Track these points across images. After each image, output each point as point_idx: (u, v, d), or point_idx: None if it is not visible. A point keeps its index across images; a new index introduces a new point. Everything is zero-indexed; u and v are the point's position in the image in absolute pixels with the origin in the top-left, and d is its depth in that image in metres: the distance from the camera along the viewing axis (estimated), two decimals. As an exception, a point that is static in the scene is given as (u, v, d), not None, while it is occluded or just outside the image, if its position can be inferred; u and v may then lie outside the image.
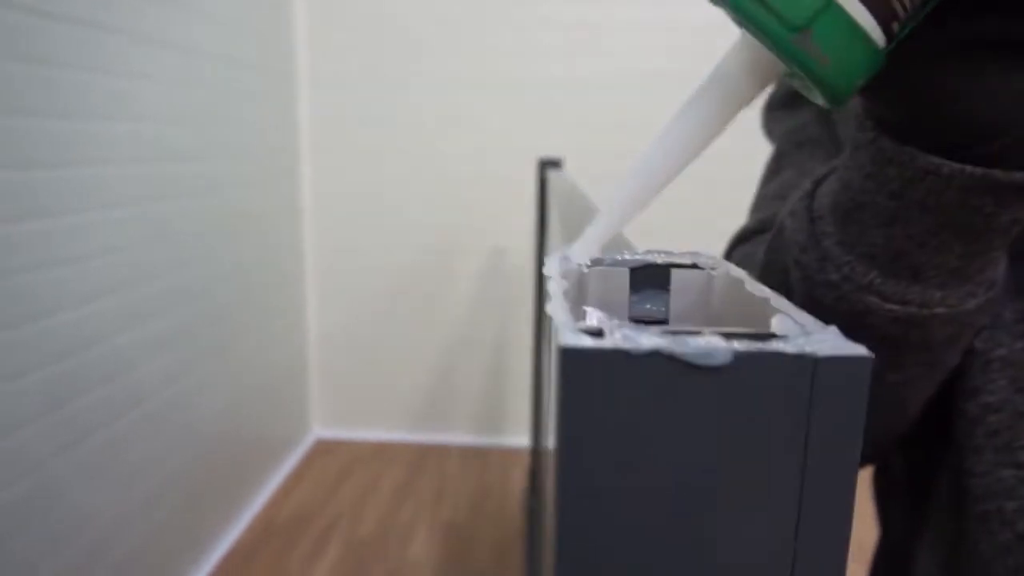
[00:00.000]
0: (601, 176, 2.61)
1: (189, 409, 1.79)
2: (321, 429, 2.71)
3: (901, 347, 0.27)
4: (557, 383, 0.13)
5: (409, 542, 2.06)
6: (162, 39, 1.65)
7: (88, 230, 1.38)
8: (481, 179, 2.58)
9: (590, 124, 2.56)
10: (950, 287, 0.26)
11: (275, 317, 2.35)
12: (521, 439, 2.69)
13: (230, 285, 2.02)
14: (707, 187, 2.20)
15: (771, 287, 0.26)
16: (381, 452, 2.60)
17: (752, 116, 0.46)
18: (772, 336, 0.13)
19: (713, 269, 0.20)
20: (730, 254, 0.46)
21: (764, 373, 0.12)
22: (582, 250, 0.21)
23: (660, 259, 0.21)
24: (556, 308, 0.15)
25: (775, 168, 0.46)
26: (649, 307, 0.20)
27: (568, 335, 0.13)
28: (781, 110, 0.47)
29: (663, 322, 0.21)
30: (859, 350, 0.12)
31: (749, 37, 0.21)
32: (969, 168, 0.22)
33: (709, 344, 0.12)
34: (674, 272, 0.21)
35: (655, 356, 0.12)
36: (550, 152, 2.54)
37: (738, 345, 0.12)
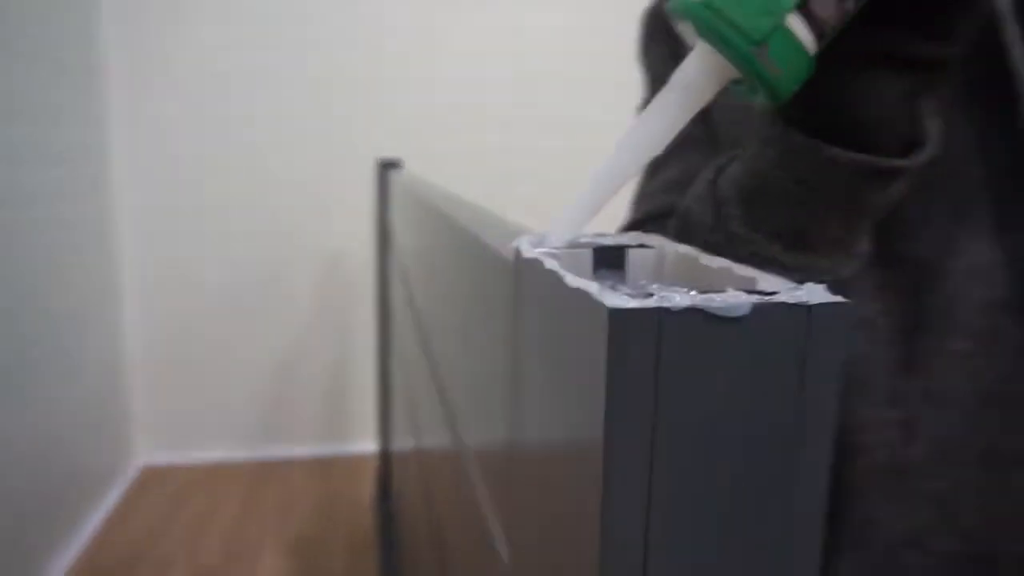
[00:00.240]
0: (448, 178, 2.63)
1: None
2: (148, 455, 2.51)
3: None
4: (606, 342, 0.14)
5: (257, 562, 1.97)
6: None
7: None
8: (314, 182, 2.51)
9: (429, 125, 2.57)
10: (835, 256, 0.31)
11: (86, 338, 2.15)
12: (368, 445, 2.65)
13: (28, 305, 1.81)
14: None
15: None
16: (218, 474, 2.45)
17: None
18: (770, 292, 0.16)
19: (661, 248, 0.23)
20: None
21: (774, 320, 0.15)
22: (560, 234, 0.22)
23: (611, 241, 0.24)
24: (574, 278, 0.16)
25: (655, 163, 0.50)
26: (611, 285, 0.22)
27: (612, 297, 0.14)
28: None
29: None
30: (839, 298, 0.15)
31: (708, 49, 0.24)
32: (862, 156, 0.27)
33: (732, 298, 0.15)
34: (629, 252, 0.23)
35: (690, 311, 0.14)
36: (387, 153, 2.52)
37: (754, 299, 0.15)
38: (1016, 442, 0.38)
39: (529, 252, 0.21)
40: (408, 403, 1.14)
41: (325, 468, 2.54)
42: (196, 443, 2.55)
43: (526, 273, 0.21)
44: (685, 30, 0.26)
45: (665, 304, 0.14)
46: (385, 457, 2.13)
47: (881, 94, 0.26)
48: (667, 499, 0.15)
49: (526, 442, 0.23)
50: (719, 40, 0.23)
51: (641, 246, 0.24)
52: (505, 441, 0.27)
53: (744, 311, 0.14)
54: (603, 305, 0.14)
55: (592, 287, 0.15)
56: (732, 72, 0.24)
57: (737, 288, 0.17)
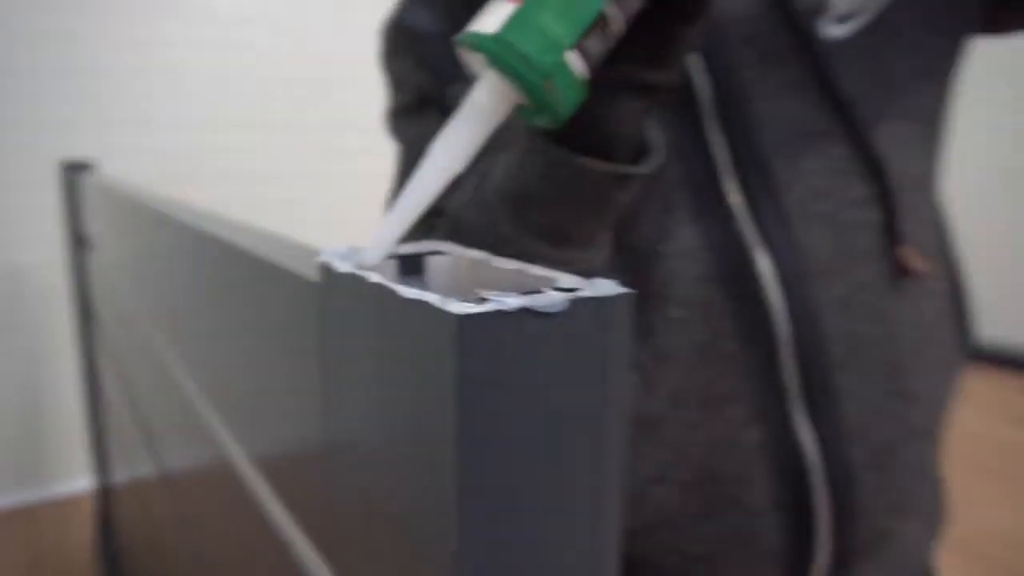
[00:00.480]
0: (153, 179, 2.38)
1: None
2: None
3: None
4: (455, 346, 0.16)
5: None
6: None
7: None
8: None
9: (125, 122, 2.31)
10: (588, 248, 0.36)
11: None
12: (79, 482, 2.34)
13: None
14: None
15: None
16: None
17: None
18: (572, 288, 0.19)
19: (454, 254, 0.25)
20: None
21: (585, 312, 0.18)
22: (376, 251, 0.24)
23: (409, 250, 0.26)
24: (408, 289, 0.18)
25: (405, 167, 0.53)
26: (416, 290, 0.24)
27: (456, 305, 0.17)
28: (408, 117, 0.54)
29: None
30: (624, 290, 0.19)
31: (497, 78, 0.26)
32: (610, 165, 0.32)
33: (552, 297, 0.17)
34: (428, 259, 0.25)
35: (520, 311, 0.17)
36: (77, 154, 2.23)
37: (569, 296, 0.18)
38: (725, 385, 0.46)
39: (343, 267, 0.22)
40: (141, 429, 1.03)
41: (27, 518, 2.19)
42: None
43: (340, 288, 0.22)
44: (474, 60, 0.29)
45: (501, 307, 0.17)
46: (104, 493, 1.90)
47: (620, 113, 0.31)
48: (515, 482, 0.18)
49: (349, 458, 0.23)
50: (512, 73, 0.26)
51: (436, 253, 0.26)
52: (318, 458, 0.27)
53: (563, 307, 0.18)
54: (450, 313, 0.16)
55: (432, 297, 0.17)
56: (519, 98, 0.27)
57: (534, 287, 0.20)
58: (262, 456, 0.34)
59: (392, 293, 0.19)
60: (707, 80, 0.46)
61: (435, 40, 0.51)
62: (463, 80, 0.49)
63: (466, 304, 0.17)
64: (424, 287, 0.25)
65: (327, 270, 0.23)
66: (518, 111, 0.29)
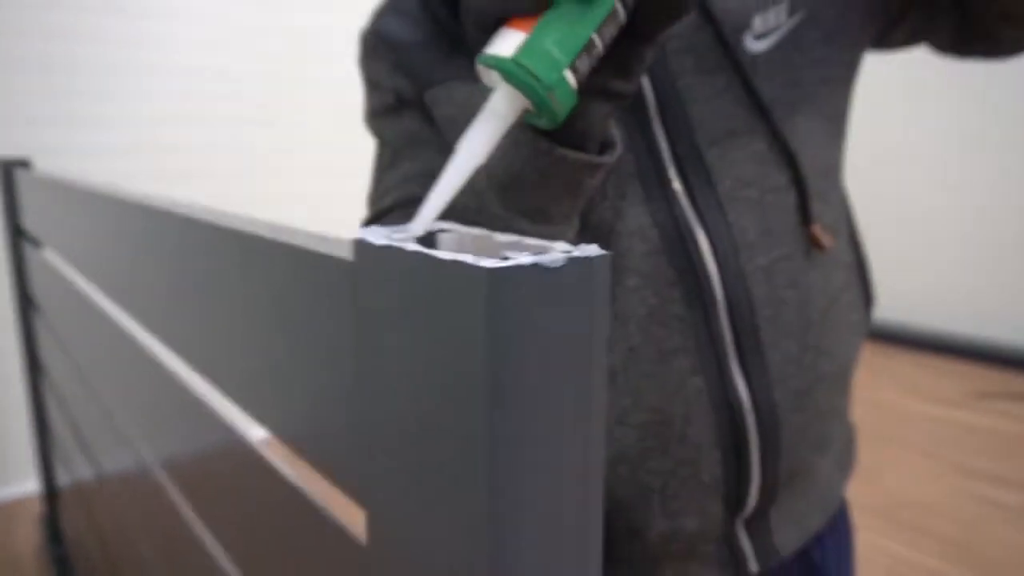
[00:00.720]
0: (100, 174, 2.34)
1: None
2: None
3: None
4: (485, 295, 0.22)
5: None
6: None
7: None
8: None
9: (61, 118, 2.26)
10: (564, 224, 0.43)
11: None
12: (21, 487, 2.29)
13: None
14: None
15: None
16: None
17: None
18: (567, 251, 0.25)
19: (459, 231, 0.31)
20: (371, 224, 0.57)
21: (576, 268, 0.24)
22: (417, 228, 0.30)
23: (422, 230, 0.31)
24: (445, 252, 0.24)
25: (391, 161, 0.58)
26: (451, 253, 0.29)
27: (487, 261, 0.22)
28: (387, 116, 0.59)
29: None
30: (604, 253, 0.25)
31: (511, 90, 0.34)
32: (583, 155, 0.38)
33: (555, 255, 0.23)
34: (439, 236, 0.31)
35: (534, 266, 0.23)
36: (9, 151, 2.18)
37: (566, 254, 0.23)
38: (673, 341, 0.54)
39: (382, 240, 0.27)
40: (93, 429, 1.04)
41: (-37, 526, 2.14)
42: None
43: (378, 261, 0.27)
44: (490, 74, 0.35)
45: (519, 263, 0.22)
46: (51, 497, 1.87)
47: (593, 115, 0.38)
48: (537, 406, 0.23)
49: (387, 415, 0.28)
50: (524, 87, 0.34)
51: (443, 231, 0.31)
52: (352, 424, 0.32)
53: (563, 262, 0.23)
54: (482, 267, 0.22)
55: (466, 257, 0.23)
56: (527, 105, 0.35)
57: (531, 252, 0.26)
58: (288, 434, 0.38)
59: (431, 257, 0.24)
60: (651, 86, 0.53)
61: (412, 48, 0.57)
62: (439, 84, 0.55)
63: (493, 260, 0.22)
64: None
65: (364, 246, 0.28)
66: (526, 115, 0.36)
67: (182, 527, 0.70)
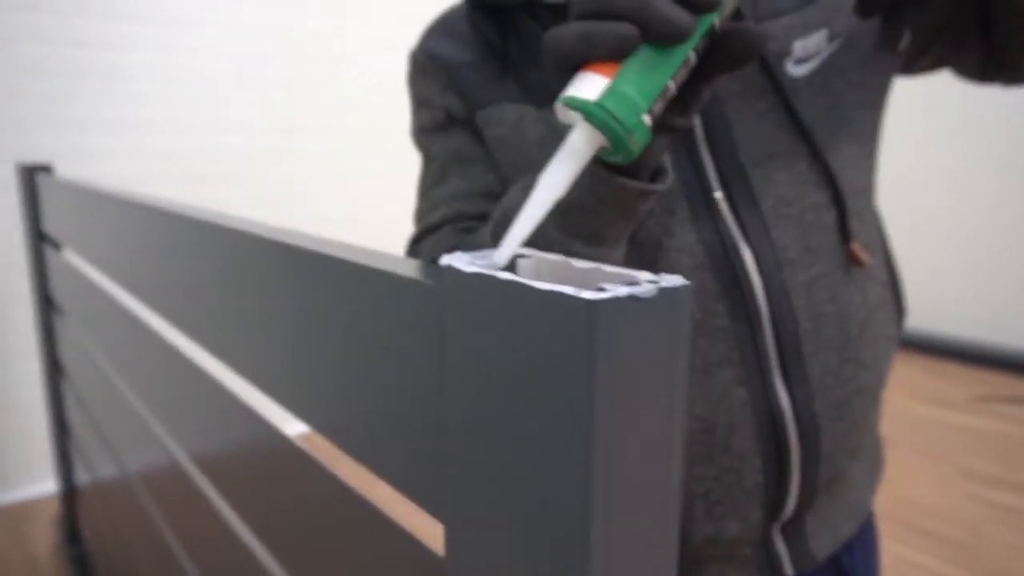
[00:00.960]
0: (116, 179, 2.36)
1: None
2: None
3: None
4: (585, 327, 0.24)
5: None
6: None
7: None
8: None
9: (82, 124, 2.28)
10: (616, 247, 0.45)
11: None
12: (38, 487, 2.31)
13: None
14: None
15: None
16: None
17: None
18: (653, 280, 0.26)
19: (536, 257, 0.33)
20: (419, 242, 0.59)
21: (667, 300, 0.26)
22: (504, 254, 0.32)
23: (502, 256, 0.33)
24: (540, 283, 0.26)
25: (440, 177, 0.61)
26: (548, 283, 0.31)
27: (587, 293, 0.24)
28: (436, 133, 0.62)
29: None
30: (687, 282, 0.27)
31: (590, 128, 0.36)
32: (640, 184, 0.40)
33: (648, 287, 0.25)
34: (518, 261, 0.33)
35: (629, 298, 0.25)
36: (33, 156, 2.20)
37: (656, 286, 0.25)
38: (717, 353, 0.56)
39: (471, 268, 0.29)
40: (118, 429, 1.05)
41: (-19, 525, 2.16)
42: None
43: (466, 288, 0.29)
44: (567, 113, 0.37)
45: (616, 295, 0.24)
46: (70, 497, 1.89)
47: (654, 147, 0.40)
48: (636, 447, 0.25)
49: (474, 441, 0.30)
50: (606, 129, 0.36)
51: (520, 256, 0.33)
52: (434, 444, 0.34)
53: (654, 294, 0.25)
54: (582, 299, 0.24)
55: (566, 288, 0.25)
56: (604, 143, 0.37)
57: (615, 281, 0.28)
58: (357, 450, 0.39)
59: (526, 286, 0.26)
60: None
61: (463, 68, 0.59)
62: (490, 105, 0.58)
63: (591, 292, 0.24)
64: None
65: (452, 272, 0.30)
66: (602, 151, 0.38)
67: (231, 540, 0.72)
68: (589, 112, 0.36)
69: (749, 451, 0.57)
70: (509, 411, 0.27)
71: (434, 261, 0.58)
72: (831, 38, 0.56)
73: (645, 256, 0.55)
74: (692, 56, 0.38)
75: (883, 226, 0.66)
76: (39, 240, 1.70)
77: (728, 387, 0.56)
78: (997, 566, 2.01)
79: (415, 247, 0.62)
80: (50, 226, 1.59)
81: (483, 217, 0.60)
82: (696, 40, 0.38)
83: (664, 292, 0.26)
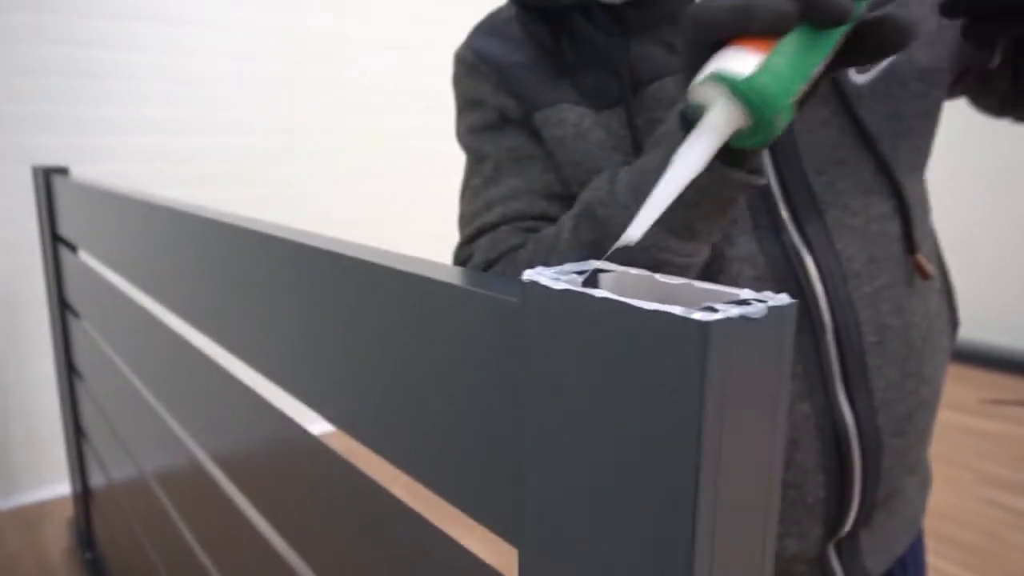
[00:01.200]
0: (131, 180, 2.35)
1: None
2: None
3: (676, 274, 0.44)
4: (699, 350, 0.22)
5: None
6: None
7: None
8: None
9: (93, 126, 2.28)
10: (705, 245, 0.44)
11: None
12: (52, 490, 2.30)
13: None
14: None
15: (573, 253, 0.44)
16: None
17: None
18: (759, 299, 0.25)
19: (619, 271, 0.32)
20: (475, 240, 0.59)
21: (775, 319, 0.25)
22: (634, 231, 0.32)
23: (581, 268, 0.32)
24: (645, 302, 0.25)
25: (493, 177, 0.60)
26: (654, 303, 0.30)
27: (699, 314, 0.23)
28: (488, 133, 0.60)
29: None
30: (789, 300, 0.26)
31: (732, 107, 0.35)
32: (744, 175, 0.40)
33: (758, 307, 0.24)
34: (600, 276, 0.31)
35: (741, 318, 0.24)
36: (33, 157, 2.19)
37: (766, 305, 0.24)
38: None
39: (559, 284, 0.28)
40: (137, 431, 1.03)
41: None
42: None
43: (552, 305, 0.28)
44: (703, 90, 0.36)
45: (729, 315, 0.23)
46: (84, 499, 1.89)
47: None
48: (741, 470, 0.24)
49: (561, 466, 0.29)
50: (755, 108, 0.34)
51: (601, 271, 0.32)
52: (513, 468, 0.32)
53: (764, 314, 0.24)
54: (695, 320, 0.23)
55: (675, 308, 0.24)
56: (743, 123, 0.36)
57: (707, 298, 0.27)
58: (422, 471, 0.38)
59: (628, 305, 0.25)
60: None
61: (517, 68, 0.58)
62: (549, 106, 0.57)
63: (706, 313, 0.23)
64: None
65: (537, 289, 0.29)
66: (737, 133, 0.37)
67: (255, 540, 0.71)
68: (739, 89, 0.35)
69: (812, 466, 0.56)
70: (602, 436, 0.26)
71: (493, 262, 0.56)
72: None
73: (708, 265, 0.53)
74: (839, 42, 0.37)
75: (937, 236, 0.65)
76: (55, 242, 1.69)
77: (792, 401, 0.55)
78: (1016, 569, 1.99)
79: (467, 247, 0.61)
80: (65, 228, 1.58)
81: (543, 217, 0.58)
82: (849, 26, 0.36)
83: (773, 311, 0.25)
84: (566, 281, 0.29)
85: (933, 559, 2.07)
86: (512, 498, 0.32)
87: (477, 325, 0.33)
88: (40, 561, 2.00)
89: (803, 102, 0.39)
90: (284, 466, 0.59)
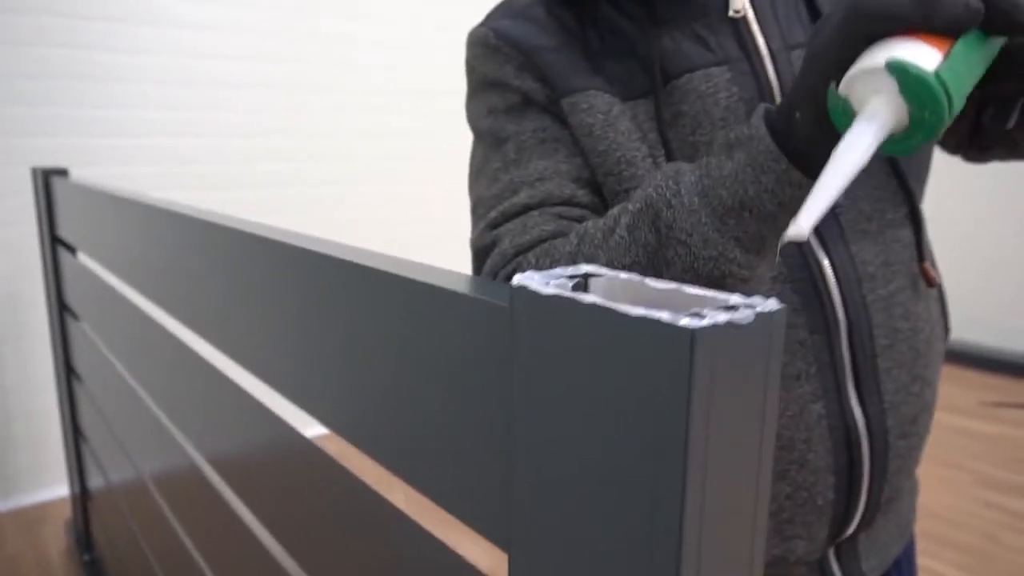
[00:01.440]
0: (129, 182, 2.36)
1: None
2: None
3: (737, 287, 0.44)
4: (686, 357, 0.23)
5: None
6: None
7: None
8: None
9: (92, 128, 2.28)
10: (766, 257, 0.44)
11: None
12: (51, 492, 2.30)
13: None
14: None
15: (628, 253, 0.43)
16: None
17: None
18: (748, 304, 0.26)
19: (609, 275, 0.32)
20: (501, 224, 0.55)
21: (763, 324, 0.25)
22: (804, 223, 0.32)
23: (571, 272, 0.32)
24: (633, 308, 0.25)
25: (516, 159, 0.57)
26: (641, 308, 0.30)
27: (686, 320, 0.23)
28: (510, 114, 0.58)
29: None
30: (779, 305, 0.26)
31: (900, 102, 0.34)
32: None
33: (746, 313, 0.24)
34: (591, 280, 0.32)
35: (728, 324, 0.24)
36: (33, 158, 2.19)
37: (753, 311, 0.25)
38: (796, 367, 0.55)
39: (548, 289, 0.28)
40: (135, 433, 1.03)
41: (-8, 529, 2.15)
42: None
43: (541, 310, 0.28)
44: (876, 80, 0.35)
45: (716, 321, 0.23)
46: (82, 500, 1.89)
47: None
48: (728, 474, 0.24)
49: (548, 471, 0.29)
50: (933, 104, 0.33)
51: (591, 275, 0.32)
52: (502, 473, 0.33)
53: (751, 319, 0.24)
54: (683, 327, 0.23)
55: (663, 314, 0.24)
56: (905, 119, 0.35)
57: (702, 304, 0.27)
58: (412, 475, 0.38)
59: (614, 311, 0.25)
60: None
61: (543, 52, 0.56)
62: (578, 92, 0.55)
63: (693, 319, 0.23)
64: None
65: (526, 294, 0.29)
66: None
67: (251, 544, 0.71)
68: (925, 84, 0.33)
69: (824, 467, 0.56)
70: (590, 440, 0.26)
71: (525, 248, 0.53)
72: None
73: None
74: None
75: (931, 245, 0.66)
76: (54, 244, 1.69)
77: (806, 401, 0.55)
78: (1014, 571, 1.99)
79: (489, 233, 0.56)
80: (64, 230, 1.58)
81: (572, 202, 0.55)
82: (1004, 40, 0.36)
83: (761, 317, 0.25)
84: (556, 286, 0.29)
85: (930, 561, 2.07)
86: (501, 501, 0.32)
87: (467, 329, 0.33)
88: (39, 562, 2.00)
89: None
90: (278, 469, 0.59)
